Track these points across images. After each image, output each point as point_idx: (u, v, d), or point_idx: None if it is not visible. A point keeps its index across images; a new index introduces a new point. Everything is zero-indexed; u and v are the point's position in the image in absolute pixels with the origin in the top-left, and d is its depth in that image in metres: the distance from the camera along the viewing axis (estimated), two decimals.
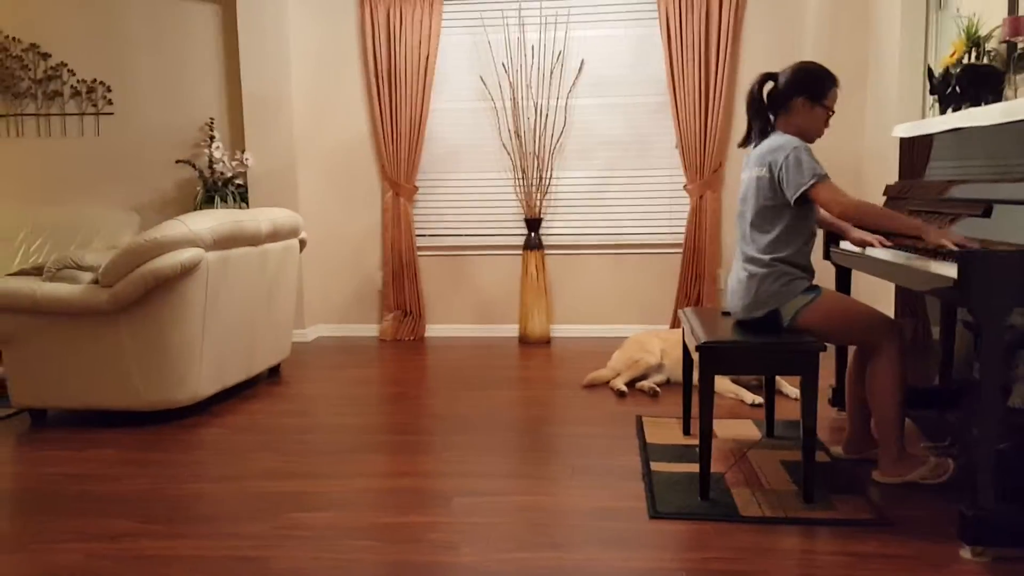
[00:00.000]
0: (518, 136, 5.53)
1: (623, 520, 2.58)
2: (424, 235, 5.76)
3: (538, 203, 5.56)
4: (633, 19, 5.46)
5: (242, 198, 5.50)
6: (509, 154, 5.57)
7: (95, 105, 5.83)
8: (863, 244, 2.95)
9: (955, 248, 2.29)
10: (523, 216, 5.61)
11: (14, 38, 5.82)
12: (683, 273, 5.46)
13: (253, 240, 4.00)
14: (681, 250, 5.48)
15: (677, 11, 5.22)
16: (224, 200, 5.45)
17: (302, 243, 4.61)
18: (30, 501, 2.86)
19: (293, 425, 3.70)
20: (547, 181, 5.56)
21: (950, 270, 2.22)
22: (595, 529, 2.53)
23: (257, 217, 4.06)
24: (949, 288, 2.24)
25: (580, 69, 5.47)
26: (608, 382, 4.28)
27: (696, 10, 5.21)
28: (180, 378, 3.65)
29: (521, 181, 5.57)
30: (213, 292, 3.74)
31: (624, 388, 4.14)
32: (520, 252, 5.62)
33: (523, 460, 3.21)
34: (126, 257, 3.50)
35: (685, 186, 5.40)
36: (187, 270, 3.55)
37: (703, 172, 5.33)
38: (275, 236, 4.22)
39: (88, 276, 3.64)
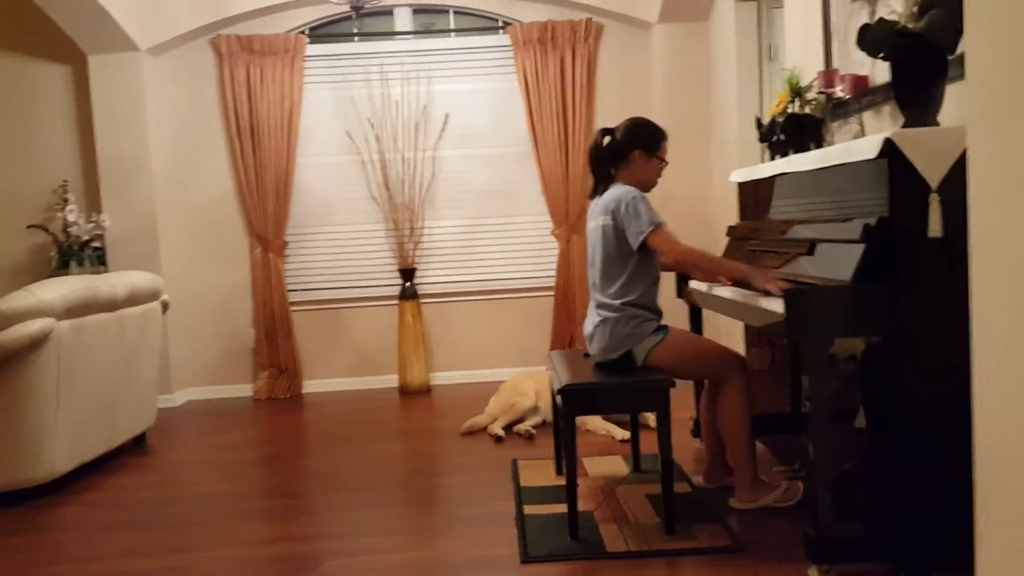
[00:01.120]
0: (387, 188, 5.57)
1: (495, 568, 2.62)
2: (297, 290, 5.70)
3: (411, 253, 5.61)
4: (494, 73, 5.63)
5: (100, 261, 5.29)
6: (379, 206, 5.61)
7: None
8: (709, 283, 3.14)
9: (779, 294, 2.44)
10: (397, 266, 5.63)
11: None
12: (555, 315, 5.60)
13: (109, 306, 3.86)
14: (553, 293, 5.63)
15: (534, 67, 5.43)
16: (81, 264, 5.22)
17: (164, 305, 4.48)
18: None
19: (157, 497, 3.56)
20: (419, 231, 5.61)
21: (778, 306, 2.40)
22: None
23: (112, 282, 3.92)
24: (778, 323, 2.41)
25: (445, 122, 5.59)
26: (486, 428, 4.33)
27: (551, 65, 5.43)
28: (34, 455, 3.47)
29: (393, 232, 5.61)
30: (67, 363, 3.58)
31: (501, 433, 4.20)
32: (396, 302, 5.64)
33: (399, 515, 3.20)
34: None
35: (553, 231, 5.57)
36: (36, 342, 3.39)
37: (568, 217, 5.51)
38: (133, 300, 4.08)
39: None
